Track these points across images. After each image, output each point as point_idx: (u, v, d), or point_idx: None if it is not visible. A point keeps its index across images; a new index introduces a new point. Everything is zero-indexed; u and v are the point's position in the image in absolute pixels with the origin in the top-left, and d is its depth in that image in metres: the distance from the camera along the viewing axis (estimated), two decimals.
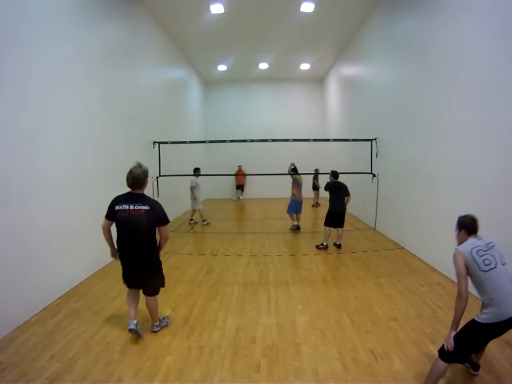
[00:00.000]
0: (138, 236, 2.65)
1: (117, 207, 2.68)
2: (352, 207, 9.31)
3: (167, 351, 2.67)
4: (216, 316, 3.27)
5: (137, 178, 2.65)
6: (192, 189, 7.52)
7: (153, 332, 2.98)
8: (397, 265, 4.75)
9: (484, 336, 1.98)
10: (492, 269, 1.94)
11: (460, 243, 2.20)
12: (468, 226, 2.17)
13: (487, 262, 1.96)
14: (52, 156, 3.70)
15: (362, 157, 7.41)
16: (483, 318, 1.91)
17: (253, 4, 6.74)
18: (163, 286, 3.00)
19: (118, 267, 4.71)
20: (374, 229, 7.12)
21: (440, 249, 4.05)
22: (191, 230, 7.41)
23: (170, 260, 5.11)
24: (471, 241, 2.10)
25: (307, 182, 10.77)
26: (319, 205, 10.78)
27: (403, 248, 5.58)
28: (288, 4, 6.77)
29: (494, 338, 1.99)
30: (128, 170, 2.70)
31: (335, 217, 5.61)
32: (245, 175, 11.81)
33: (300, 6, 6.78)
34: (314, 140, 7.87)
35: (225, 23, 7.54)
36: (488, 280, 1.92)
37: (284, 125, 12.60)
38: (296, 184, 7.00)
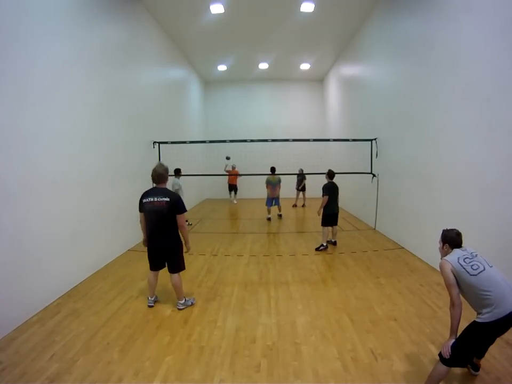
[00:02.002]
0: (161, 222, 3.15)
1: (144, 200, 3.19)
2: (352, 207, 9.35)
3: (167, 351, 2.67)
4: (216, 316, 3.27)
5: (161, 175, 3.20)
6: (177, 191, 7.04)
7: (178, 309, 3.36)
8: (397, 265, 4.76)
9: (486, 336, 1.98)
10: (481, 271, 1.97)
11: (443, 256, 2.24)
12: (452, 241, 2.21)
13: (475, 267, 2.00)
14: (52, 156, 3.70)
15: (362, 157, 7.41)
16: (484, 317, 1.91)
17: (253, 4, 6.74)
18: (184, 267, 3.41)
19: (117, 267, 4.75)
20: (374, 229, 7.12)
21: None
22: (191, 230, 7.41)
23: None
24: (456, 251, 2.16)
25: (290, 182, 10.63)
26: (304, 205, 10.60)
27: (403, 248, 5.58)
28: (288, 4, 6.76)
29: (496, 337, 2.00)
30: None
31: (333, 218, 5.70)
32: (238, 175, 11.36)
33: (300, 6, 6.78)
34: (314, 140, 7.86)
35: (225, 23, 7.53)
36: (480, 283, 1.94)
37: (284, 125, 12.59)
38: (268, 183, 8.29)
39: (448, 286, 2.06)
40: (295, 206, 10.68)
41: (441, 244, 2.29)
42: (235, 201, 11.80)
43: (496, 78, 3.36)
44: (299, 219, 8.86)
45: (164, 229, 3.18)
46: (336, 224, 5.79)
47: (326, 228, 5.64)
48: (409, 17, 5.30)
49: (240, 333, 2.95)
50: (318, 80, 13.06)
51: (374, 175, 7.09)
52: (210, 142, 8.97)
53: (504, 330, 1.93)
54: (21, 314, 3.13)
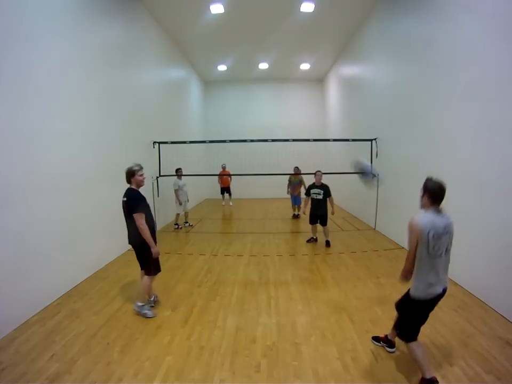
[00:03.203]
0: (126, 220, 3.24)
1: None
2: (352, 207, 9.34)
3: (167, 351, 2.67)
4: (216, 316, 3.27)
5: (125, 175, 3.25)
6: (176, 192, 7.11)
7: (133, 309, 3.31)
8: (397, 265, 4.74)
9: (422, 310, 2.21)
10: (437, 257, 2.05)
11: (422, 206, 2.17)
12: (434, 193, 2.02)
13: (436, 248, 2.04)
14: (52, 156, 3.69)
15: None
16: (416, 295, 2.16)
17: (253, 4, 6.74)
18: (152, 272, 3.33)
19: (117, 267, 4.74)
20: (374, 229, 7.12)
21: None
22: (191, 230, 7.40)
23: (171, 260, 5.10)
24: (433, 220, 2.03)
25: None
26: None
27: (403, 248, 5.57)
28: (288, 4, 6.76)
29: (430, 310, 2.22)
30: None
31: None
32: (230, 175, 10.81)
33: (300, 6, 6.78)
34: (314, 140, 7.85)
35: (225, 23, 7.53)
36: (430, 264, 2.07)
37: (284, 125, 12.59)
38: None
39: (411, 248, 2.17)
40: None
41: (422, 192, 2.11)
42: (231, 203, 11.29)
43: (496, 78, 3.36)
44: (299, 219, 8.85)
45: (129, 227, 3.25)
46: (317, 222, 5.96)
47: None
48: (409, 17, 5.30)
49: (240, 333, 2.95)
50: (318, 80, 13.06)
51: (374, 175, 7.08)
52: (210, 142, 8.96)
53: (435, 305, 2.21)
54: (21, 314, 3.13)
